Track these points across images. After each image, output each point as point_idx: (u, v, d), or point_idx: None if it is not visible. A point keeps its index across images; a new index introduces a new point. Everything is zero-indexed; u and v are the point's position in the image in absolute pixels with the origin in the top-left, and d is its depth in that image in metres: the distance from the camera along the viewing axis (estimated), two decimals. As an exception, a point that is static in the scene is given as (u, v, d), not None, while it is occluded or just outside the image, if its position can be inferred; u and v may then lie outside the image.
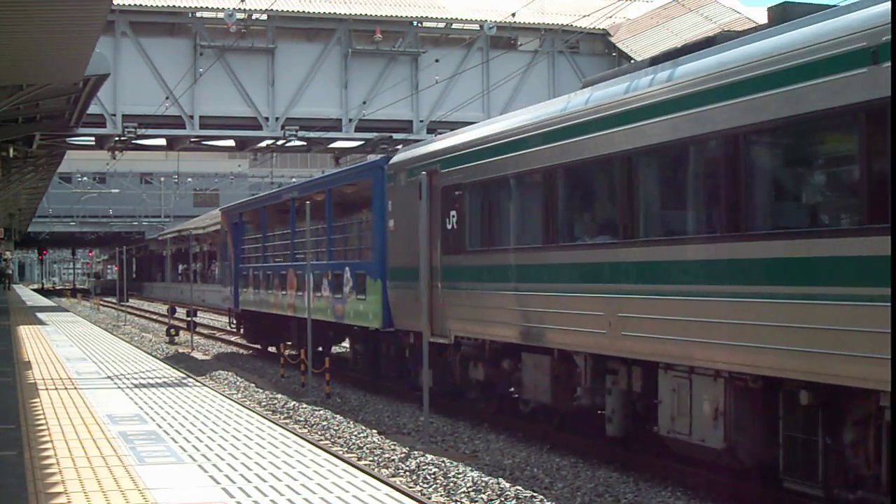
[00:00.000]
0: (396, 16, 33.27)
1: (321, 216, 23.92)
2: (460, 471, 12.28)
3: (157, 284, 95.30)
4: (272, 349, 28.53)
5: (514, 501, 10.92)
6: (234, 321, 32.14)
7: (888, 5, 8.60)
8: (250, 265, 29.19)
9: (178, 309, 43.26)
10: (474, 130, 16.32)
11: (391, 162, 19.02)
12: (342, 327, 22.75)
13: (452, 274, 16.25)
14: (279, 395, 20.27)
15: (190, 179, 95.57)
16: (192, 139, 33.91)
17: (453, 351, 16.69)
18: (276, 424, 13.86)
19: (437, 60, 32.54)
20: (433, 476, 12.23)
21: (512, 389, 16.17)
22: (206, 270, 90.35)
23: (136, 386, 18.20)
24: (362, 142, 34.89)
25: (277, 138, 33.26)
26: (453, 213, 16.18)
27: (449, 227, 16.31)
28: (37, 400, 16.07)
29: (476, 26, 33.78)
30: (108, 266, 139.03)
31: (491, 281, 15.07)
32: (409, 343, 18.57)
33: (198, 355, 30.65)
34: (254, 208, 29.96)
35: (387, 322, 18.95)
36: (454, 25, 34.10)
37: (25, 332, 33.58)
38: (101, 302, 71.60)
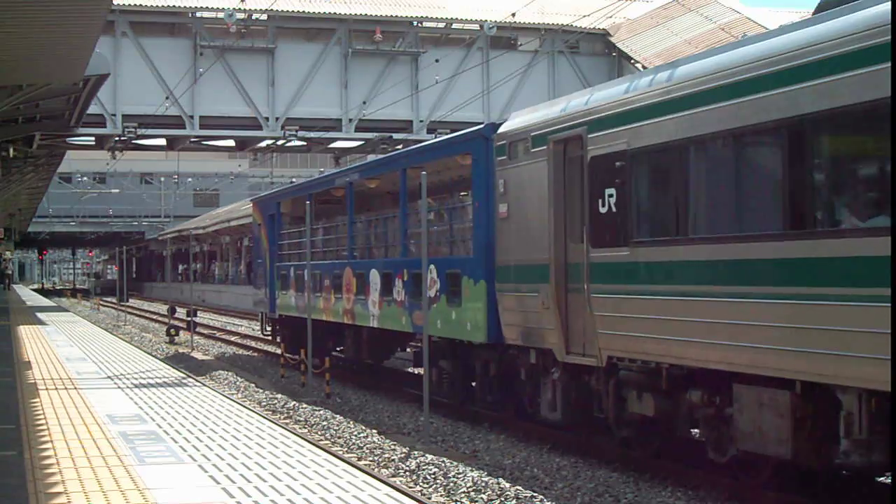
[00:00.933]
0: (396, 16, 33.28)
1: (391, 203, 21.28)
2: (460, 471, 12.28)
3: (157, 284, 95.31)
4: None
5: (514, 501, 10.92)
6: (269, 328, 28.42)
7: None
8: (291, 263, 25.24)
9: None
10: (655, 74, 11.96)
11: (502, 130, 15.07)
12: (404, 337, 20.69)
13: (608, 273, 12.31)
14: (279, 395, 20.26)
15: (190, 179, 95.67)
16: (192, 139, 33.92)
17: (604, 376, 12.74)
18: (276, 424, 13.86)
19: (437, 60, 32.55)
20: (433, 476, 12.23)
21: (697, 430, 12.39)
22: (206, 271, 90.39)
23: (136, 386, 18.20)
24: (362, 142, 34.90)
25: (277, 138, 33.27)
26: (610, 191, 12.19)
27: (603, 210, 12.30)
28: (37, 400, 16.07)
29: (476, 26, 33.79)
30: (108, 266, 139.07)
31: (681, 283, 11.13)
32: (525, 363, 14.69)
33: (198, 355, 30.64)
34: (296, 197, 25.54)
35: (493, 334, 15.14)
36: (454, 25, 34.11)
37: (25, 332, 33.57)
38: (101, 302, 71.61)
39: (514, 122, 14.98)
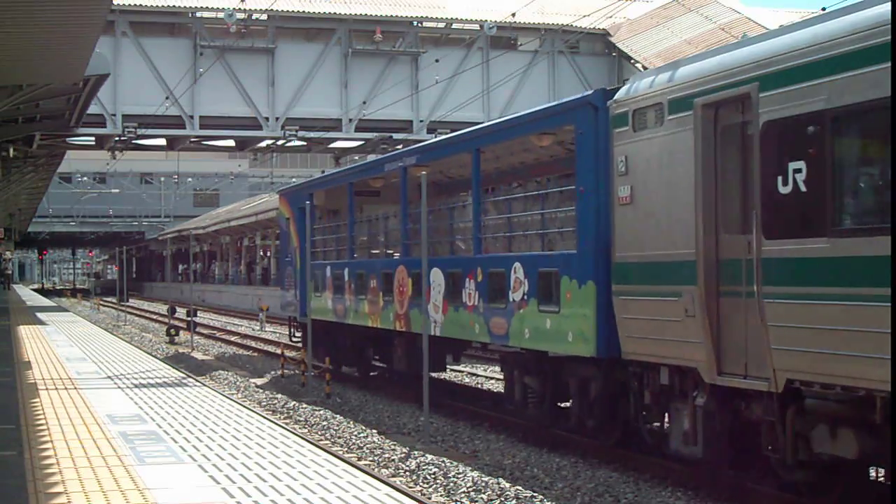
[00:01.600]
0: (396, 16, 33.29)
1: (460, 189, 19.40)
2: (460, 471, 12.28)
3: (157, 284, 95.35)
4: (350, 370, 23.31)
5: (514, 501, 10.92)
6: (300, 334, 25.26)
7: None
8: (327, 262, 22.59)
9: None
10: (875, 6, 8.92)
11: (622, 96, 12.22)
12: (462, 345, 18.75)
13: (792, 272, 9.51)
14: (279, 395, 20.26)
15: (190, 179, 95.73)
16: (192, 139, 33.93)
17: (777, 404, 9.93)
18: (276, 424, 13.85)
19: (437, 60, 32.55)
20: (433, 476, 12.23)
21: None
22: (207, 271, 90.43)
23: (136, 386, 18.20)
24: (362, 142, 34.91)
25: (277, 138, 33.28)
26: (797, 165, 9.48)
27: (785, 190, 9.59)
28: (37, 400, 16.06)
29: (476, 26, 33.80)
30: (108, 266, 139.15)
31: None
32: (652, 383, 11.92)
33: (198, 355, 30.64)
34: (333, 187, 22.93)
35: (605, 347, 12.51)
36: (454, 25, 34.12)
37: (25, 332, 33.57)
38: (101, 302, 71.62)
39: (640, 84, 12.04)
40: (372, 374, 22.69)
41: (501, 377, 16.78)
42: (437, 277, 16.90)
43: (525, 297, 14.06)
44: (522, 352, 14.66)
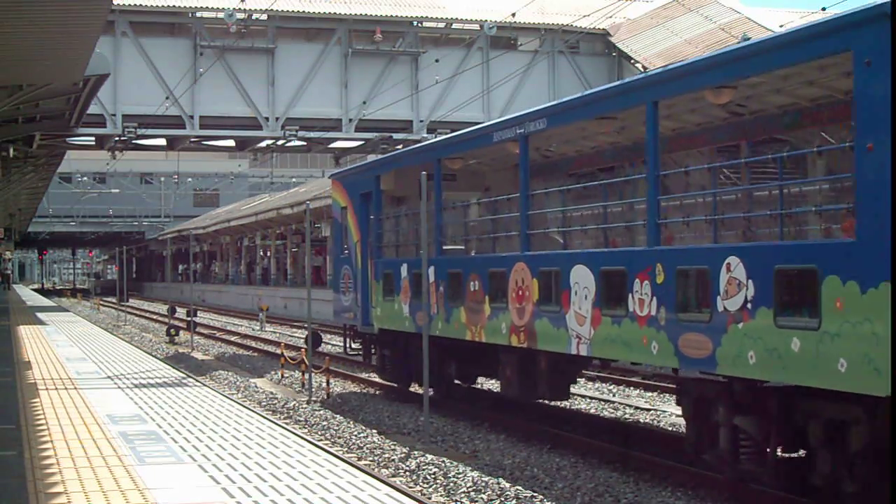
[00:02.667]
0: (396, 16, 33.29)
1: (597, 162, 16.45)
2: (460, 471, 12.28)
3: (157, 284, 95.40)
4: (418, 389, 17.89)
5: (514, 501, 10.92)
6: (360, 345, 21.36)
7: None
8: (403, 259, 18.53)
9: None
10: None
11: None
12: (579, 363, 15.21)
13: None
14: (279, 395, 20.26)
15: (190, 179, 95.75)
16: (192, 139, 33.93)
17: None
18: (276, 424, 13.85)
19: (437, 60, 32.55)
20: (433, 476, 12.23)
21: None
22: (207, 271, 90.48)
23: (136, 386, 18.20)
24: (362, 142, 34.92)
25: (277, 138, 33.28)
26: None
27: None
28: (37, 400, 16.06)
29: (476, 26, 33.80)
30: (108, 266, 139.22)
31: None
32: None
33: (198, 355, 30.64)
34: (410, 166, 18.55)
35: None
36: (454, 25, 34.12)
37: (25, 332, 33.57)
38: (101, 302, 71.62)
39: None
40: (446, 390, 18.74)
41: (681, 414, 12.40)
42: (582, 278, 12.94)
43: (748, 305, 10.11)
44: (725, 380, 10.91)
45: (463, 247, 17.25)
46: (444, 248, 17.25)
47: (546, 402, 16.71)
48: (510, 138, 15.12)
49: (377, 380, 21.28)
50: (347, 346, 22.13)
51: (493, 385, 21.63)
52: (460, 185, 18.66)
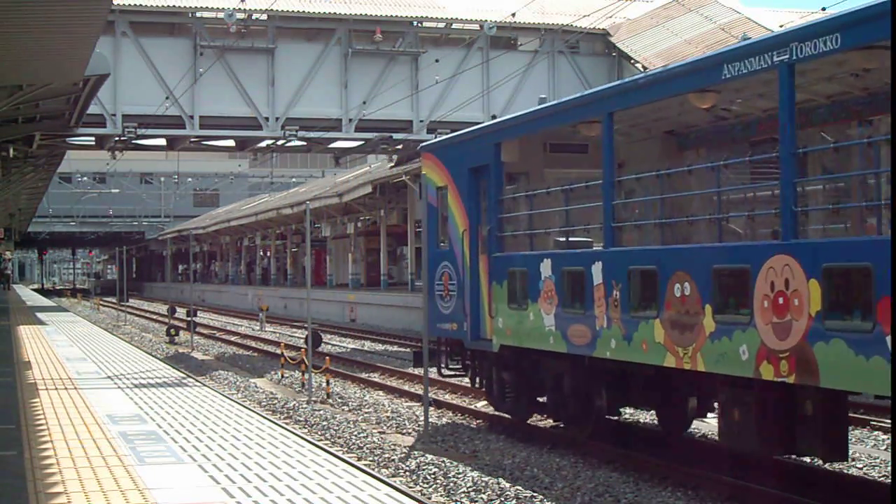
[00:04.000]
0: (396, 16, 33.29)
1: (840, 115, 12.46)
2: (460, 471, 12.28)
3: (157, 284, 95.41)
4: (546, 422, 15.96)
5: (514, 501, 10.92)
6: (468, 365, 16.92)
7: None
8: (545, 254, 14.13)
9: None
10: None
11: None
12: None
13: None
14: (279, 395, 20.27)
15: (190, 179, 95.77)
16: (192, 139, 33.93)
17: None
18: (276, 424, 13.85)
19: (437, 60, 32.55)
20: (433, 476, 12.23)
21: None
22: (207, 270, 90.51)
23: (136, 386, 18.20)
24: (362, 142, 34.92)
25: (277, 138, 33.28)
26: None
27: None
28: (37, 400, 16.06)
29: (476, 26, 33.81)
30: (108, 266, 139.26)
31: None
32: None
33: (198, 355, 30.65)
34: (558, 126, 14.81)
35: None
36: (454, 25, 34.13)
37: (25, 332, 33.58)
38: (101, 302, 71.63)
39: None
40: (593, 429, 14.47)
41: None
42: None
43: None
44: None
45: (590, 239, 13.80)
46: (566, 240, 13.87)
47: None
48: (760, 69, 10.42)
49: (474, 405, 18.15)
50: (444, 364, 17.25)
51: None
52: (591, 160, 14.77)
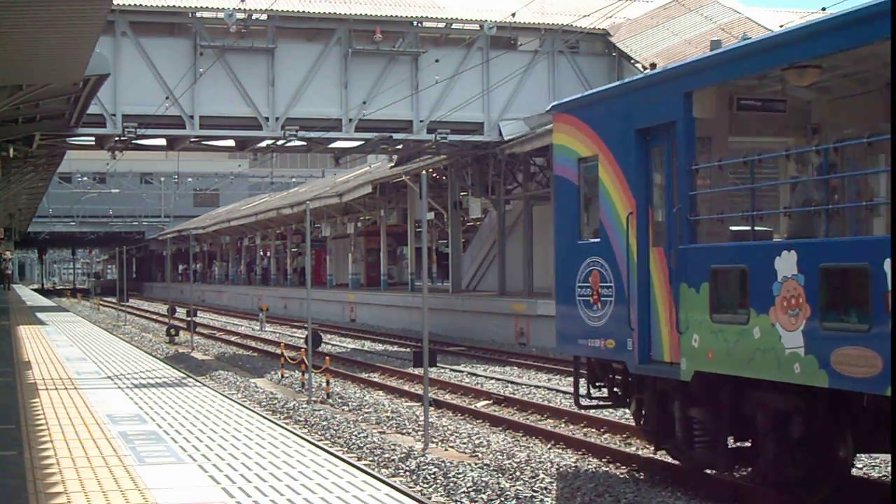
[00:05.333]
0: (396, 16, 33.27)
1: None
2: (460, 471, 12.28)
3: (157, 284, 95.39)
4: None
5: (514, 501, 10.92)
6: (618, 394, 13.17)
7: None
8: (778, 247, 10.02)
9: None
10: None
11: None
12: None
13: None
14: (279, 395, 20.27)
15: (190, 179, 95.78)
16: (192, 139, 33.91)
17: None
18: (276, 424, 13.85)
19: (437, 60, 32.54)
20: (433, 476, 12.23)
21: None
22: (207, 270, 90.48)
23: (136, 386, 18.19)
24: (362, 142, 34.90)
25: (277, 138, 33.25)
26: None
27: None
28: (37, 400, 16.06)
29: (476, 26, 33.79)
30: (108, 266, 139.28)
31: None
32: None
33: (198, 355, 30.64)
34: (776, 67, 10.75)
35: None
36: (454, 25, 34.10)
37: (25, 332, 33.57)
38: (101, 302, 71.62)
39: None
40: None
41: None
42: None
43: None
44: None
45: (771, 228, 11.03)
46: (735, 229, 10.77)
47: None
48: None
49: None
50: (586, 392, 13.47)
51: (493, 385, 21.56)
52: (788, 123, 11.95)
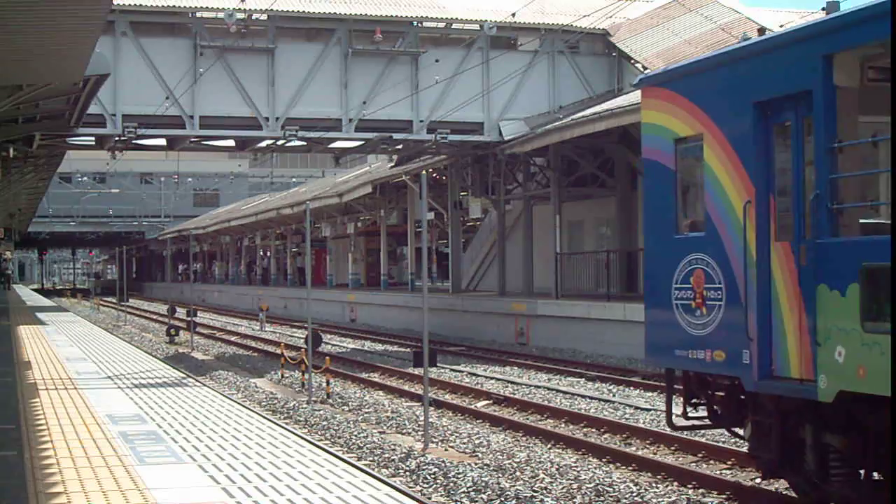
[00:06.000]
0: (396, 16, 33.27)
1: None
2: (460, 471, 12.28)
3: (157, 284, 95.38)
4: None
5: (514, 501, 10.92)
6: (719, 413, 11.26)
7: None
8: None
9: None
10: None
11: None
12: None
13: None
14: (279, 395, 20.27)
15: (190, 179, 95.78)
16: (192, 139, 33.91)
17: None
18: (276, 424, 13.85)
19: (437, 60, 32.54)
20: (433, 476, 12.23)
21: None
22: (208, 270, 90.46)
23: (136, 386, 18.19)
24: (362, 142, 34.90)
25: (277, 138, 33.25)
26: None
27: None
28: (37, 400, 16.06)
29: (476, 26, 33.79)
30: (109, 266, 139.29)
31: None
32: None
33: (198, 355, 30.64)
34: None
35: None
36: (454, 25, 34.11)
37: (25, 332, 33.57)
38: (101, 302, 71.62)
39: None
40: None
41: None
42: None
43: None
44: None
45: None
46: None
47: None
48: None
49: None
50: (681, 411, 11.56)
51: (493, 385, 21.55)
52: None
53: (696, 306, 10.77)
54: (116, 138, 32.39)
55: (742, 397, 10.63)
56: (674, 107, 11.32)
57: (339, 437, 15.25)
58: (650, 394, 19.55)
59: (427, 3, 34.13)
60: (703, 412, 11.36)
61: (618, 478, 12.21)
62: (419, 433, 15.39)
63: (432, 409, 17.43)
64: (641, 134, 12.11)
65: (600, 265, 31.51)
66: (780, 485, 11.70)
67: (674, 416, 11.60)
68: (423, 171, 15.25)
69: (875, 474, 9.47)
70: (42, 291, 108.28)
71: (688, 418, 11.48)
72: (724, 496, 11.29)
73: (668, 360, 11.47)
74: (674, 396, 11.75)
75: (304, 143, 35.29)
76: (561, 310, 30.54)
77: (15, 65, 18.68)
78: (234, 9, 30.63)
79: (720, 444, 13.81)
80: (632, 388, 20.51)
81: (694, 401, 11.37)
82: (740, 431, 11.19)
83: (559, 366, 24.85)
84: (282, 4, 31.33)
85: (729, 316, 10.26)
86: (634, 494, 11.36)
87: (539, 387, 20.98)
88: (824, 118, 9.29)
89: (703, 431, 13.28)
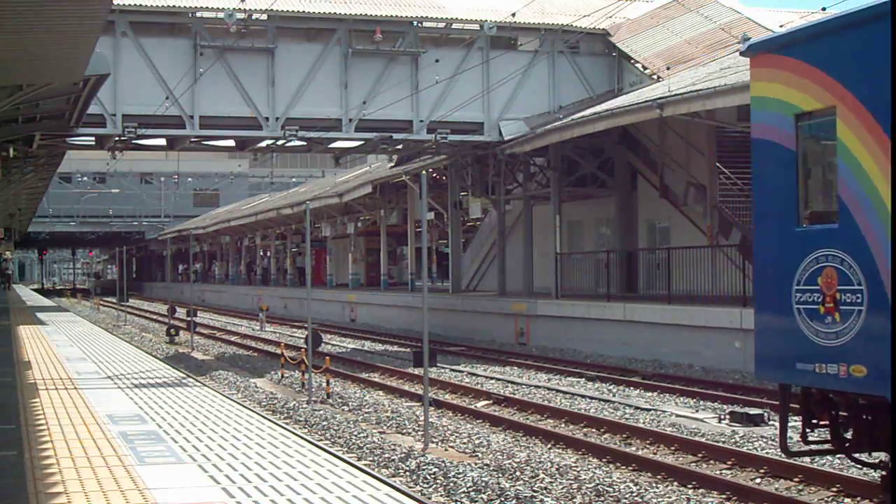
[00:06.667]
0: (396, 16, 33.27)
1: None
2: (460, 471, 12.28)
3: (157, 284, 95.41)
4: None
5: (514, 501, 10.92)
6: (845, 437, 9.67)
7: None
8: None
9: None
10: None
11: None
12: None
13: None
14: (279, 395, 20.27)
15: (190, 179, 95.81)
16: (192, 139, 33.91)
17: None
18: (276, 424, 13.85)
19: (437, 60, 32.54)
20: (433, 476, 12.23)
21: None
22: (208, 270, 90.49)
23: (136, 386, 18.19)
24: (362, 142, 34.90)
25: (277, 138, 33.25)
26: None
27: None
28: (37, 400, 16.06)
29: (476, 26, 33.79)
30: (109, 266, 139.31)
31: None
32: None
33: (198, 355, 30.64)
34: None
35: None
36: (454, 25, 34.10)
37: (25, 332, 33.57)
38: (101, 302, 71.62)
39: None
40: None
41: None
42: None
43: None
44: None
45: None
46: None
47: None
48: None
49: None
50: (801, 432, 9.91)
51: (493, 385, 21.56)
52: None
53: (826, 312, 9.08)
54: (116, 138, 32.40)
55: (881, 418, 8.94)
56: (796, 77, 9.58)
57: (339, 437, 15.25)
58: (650, 394, 19.55)
59: (427, 3, 34.14)
60: (822, 434, 9.82)
61: (618, 478, 12.21)
62: (419, 433, 15.39)
63: (432, 409, 17.43)
64: (752, 110, 10.34)
65: (600, 265, 31.52)
66: (780, 485, 11.72)
67: (788, 442, 9.94)
68: (423, 171, 15.25)
69: None
70: (42, 291, 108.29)
71: (807, 442, 9.88)
72: (724, 496, 11.30)
73: (787, 374, 9.71)
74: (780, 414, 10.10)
75: (304, 143, 35.29)
76: (561, 310, 30.55)
77: (15, 65, 18.68)
78: (234, 9, 30.63)
79: (720, 445, 13.83)
80: (632, 388, 20.52)
81: (817, 422, 9.76)
82: (865, 457, 9.86)
83: (559, 366, 24.85)
84: (282, 4, 31.33)
85: (872, 324, 8.58)
86: (634, 494, 11.37)
87: (539, 387, 20.99)
88: None
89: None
